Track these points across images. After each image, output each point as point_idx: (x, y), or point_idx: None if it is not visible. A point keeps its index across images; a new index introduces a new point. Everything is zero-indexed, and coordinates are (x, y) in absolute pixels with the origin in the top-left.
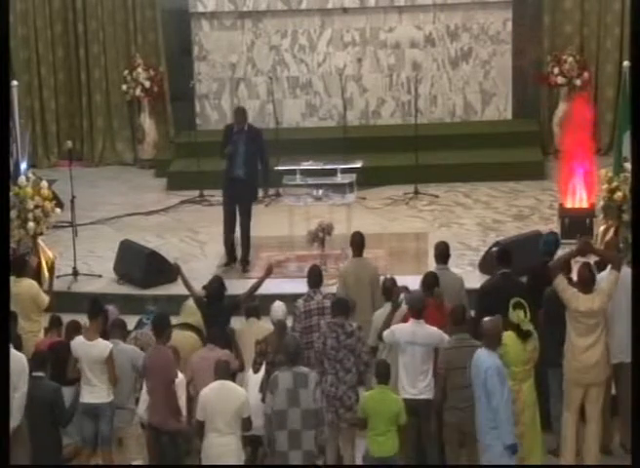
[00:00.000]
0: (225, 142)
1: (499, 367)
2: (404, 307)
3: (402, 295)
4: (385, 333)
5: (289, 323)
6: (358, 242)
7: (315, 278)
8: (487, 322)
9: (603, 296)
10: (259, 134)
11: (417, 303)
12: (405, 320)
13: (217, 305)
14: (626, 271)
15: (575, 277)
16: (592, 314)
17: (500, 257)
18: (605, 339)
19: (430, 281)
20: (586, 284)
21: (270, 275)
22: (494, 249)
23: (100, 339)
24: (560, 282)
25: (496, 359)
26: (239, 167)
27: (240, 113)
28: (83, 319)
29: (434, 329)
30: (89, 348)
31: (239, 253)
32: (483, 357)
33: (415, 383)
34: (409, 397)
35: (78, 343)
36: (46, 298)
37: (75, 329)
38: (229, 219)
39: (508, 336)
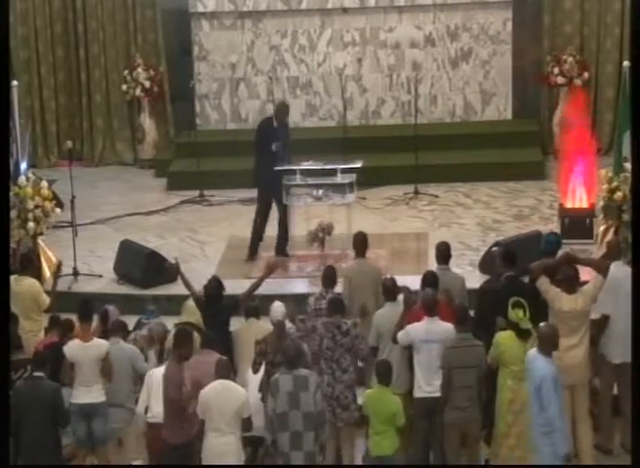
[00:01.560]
0: (264, 138)
1: (554, 375)
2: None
3: (403, 296)
4: (400, 334)
5: (291, 321)
6: (361, 242)
7: (330, 278)
8: (544, 326)
9: (586, 298)
10: (288, 126)
11: (430, 301)
12: (416, 319)
13: (215, 305)
14: (627, 271)
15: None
16: (575, 314)
17: (505, 259)
18: (588, 340)
19: (430, 280)
20: (570, 284)
21: (271, 274)
22: (494, 249)
23: (96, 339)
24: (543, 282)
25: (551, 366)
26: (285, 160)
27: (285, 108)
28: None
29: (448, 324)
30: (86, 350)
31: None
32: (538, 362)
33: (431, 381)
34: (424, 395)
35: (73, 346)
36: (47, 299)
37: (70, 328)
38: (265, 214)
39: (508, 336)
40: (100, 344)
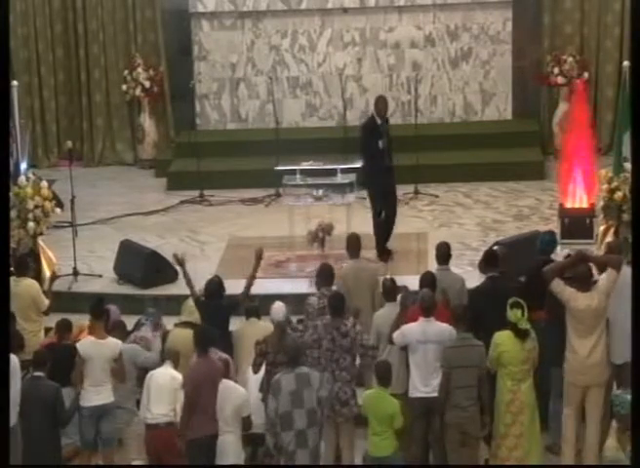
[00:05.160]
0: (371, 137)
1: None
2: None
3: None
4: (395, 335)
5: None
6: (354, 243)
7: (327, 276)
8: None
9: (601, 295)
10: (388, 121)
11: (427, 302)
12: (412, 320)
13: (215, 304)
14: (628, 272)
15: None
16: (592, 312)
17: (488, 261)
18: (605, 340)
19: (428, 281)
20: (584, 281)
21: (261, 260)
22: (495, 248)
23: (110, 338)
24: (557, 284)
25: None
26: (389, 156)
27: (384, 101)
28: (82, 319)
29: (444, 325)
30: (101, 347)
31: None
32: None
33: (427, 381)
34: (422, 395)
35: (88, 343)
36: (45, 301)
37: (67, 328)
38: (385, 210)
39: (506, 336)
40: (114, 343)
